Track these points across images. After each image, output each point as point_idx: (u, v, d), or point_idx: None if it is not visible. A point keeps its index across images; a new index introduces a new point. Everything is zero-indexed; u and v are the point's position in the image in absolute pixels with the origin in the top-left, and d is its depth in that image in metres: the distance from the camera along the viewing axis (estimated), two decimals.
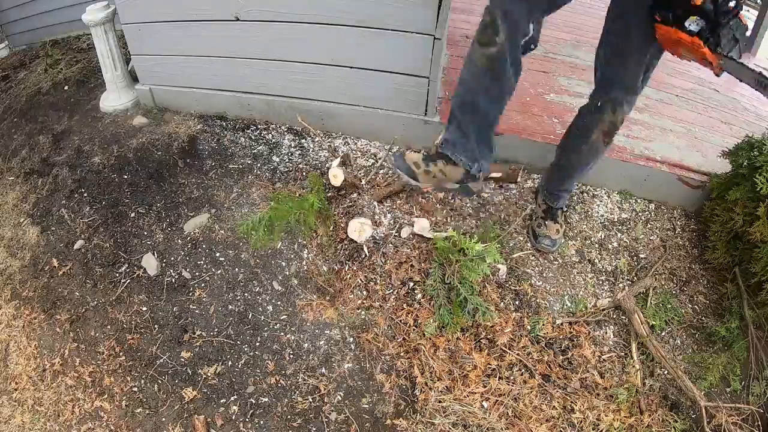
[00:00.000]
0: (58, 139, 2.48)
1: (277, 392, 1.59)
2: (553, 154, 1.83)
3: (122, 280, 1.88)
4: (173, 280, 1.86)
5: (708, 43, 1.21)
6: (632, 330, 1.66)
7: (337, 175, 1.94)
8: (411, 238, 1.87)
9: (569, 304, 1.74)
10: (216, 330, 1.73)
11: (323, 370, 1.62)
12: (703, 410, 1.47)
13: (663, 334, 1.69)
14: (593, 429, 1.49)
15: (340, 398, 1.56)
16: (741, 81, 1.20)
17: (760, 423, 1.49)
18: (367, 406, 1.55)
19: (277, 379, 1.61)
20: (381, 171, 2.15)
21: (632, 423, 1.50)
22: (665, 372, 1.60)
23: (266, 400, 1.57)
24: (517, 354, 1.62)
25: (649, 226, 1.97)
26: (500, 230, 1.87)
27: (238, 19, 2.09)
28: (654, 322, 1.68)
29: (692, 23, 1.22)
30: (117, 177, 2.20)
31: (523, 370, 1.60)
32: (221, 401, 1.58)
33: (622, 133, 1.96)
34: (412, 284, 1.75)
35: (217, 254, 1.91)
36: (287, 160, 2.23)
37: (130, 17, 2.25)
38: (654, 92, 2.50)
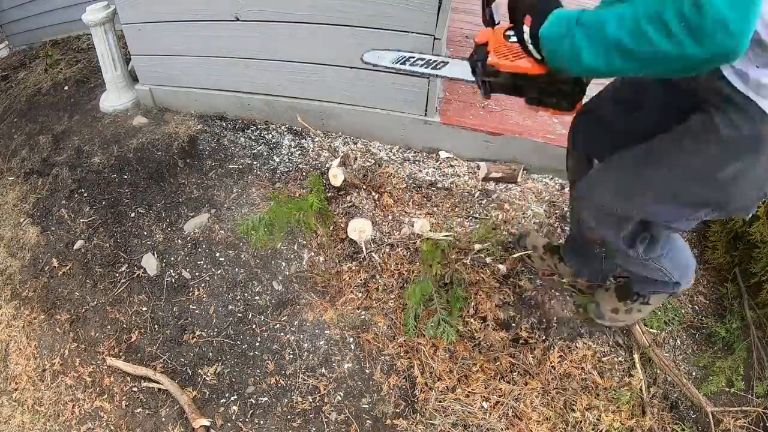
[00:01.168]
0: (58, 139, 2.49)
1: (277, 392, 1.59)
2: (552, 154, 1.83)
3: (122, 280, 1.88)
4: (173, 280, 1.86)
5: None
6: (634, 340, 1.65)
7: (337, 175, 1.94)
8: (411, 238, 1.87)
9: None
10: (216, 330, 1.73)
11: (323, 370, 1.62)
12: (710, 416, 1.47)
13: (663, 334, 1.69)
14: (593, 429, 1.49)
15: (340, 398, 1.56)
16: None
17: (766, 424, 1.49)
18: (367, 406, 1.55)
19: (277, 379, 1.61)
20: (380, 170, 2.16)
21: (632, 425, 1.50)
22: (669, 377, 1.59)
23: (266, 400, 1.57)
24: (518, 354, 1.62)
25: None
26: (500, 230, 1.87)
27: (237, 19, 2.09)
28: (653, 330, 1.68)
29: None
30: (117, 177, 2.20)
31: (523, 371, 1.59)
32: (221, 401, 1.58)
33: None
34: (411, 284, 1.75)
35: (217, 254, 1.91)
36: (287, 160, 2.23)
37: (130, 17, 2.25)
38: None
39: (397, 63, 1.50)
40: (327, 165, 2.16)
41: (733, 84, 0.90)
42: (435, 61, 1.48)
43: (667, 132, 1.07)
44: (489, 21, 1.17)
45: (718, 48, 0.69)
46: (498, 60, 1.12)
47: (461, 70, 1.40)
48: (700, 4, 0.67)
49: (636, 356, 1.62)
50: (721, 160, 0.99)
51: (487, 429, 1.48)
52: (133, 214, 2.07)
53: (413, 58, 1.48)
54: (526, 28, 1.01)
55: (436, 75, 1.48)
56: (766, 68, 0.87)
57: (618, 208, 1.18)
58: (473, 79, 1.23)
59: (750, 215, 1.14)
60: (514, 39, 1.10)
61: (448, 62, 1.46)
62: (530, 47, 1.02)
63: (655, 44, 0.73)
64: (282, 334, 1.70)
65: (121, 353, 1.72)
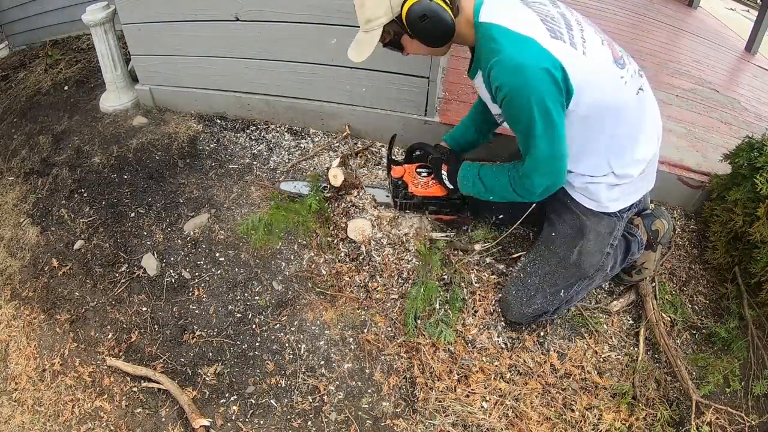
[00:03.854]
0: (58, 139, 2.49)
1: (277, 392, 1.59)
2: None
3: (122, 280, 1.88)
4: (173, 280, 1.86)
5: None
6: (643, 314, 1.69)
7: (337, 176, 1.94)
8: (411, 238, 1.87)
9: None
10: (216, 330, 1.73)
11: (323, 371, 1.62)
12: (694, 404, 1.48)
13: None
14: (593, 429, 1.49)
15: (340, 398, 1.56)
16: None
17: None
18: (367, 406, 1.55)
19: (277, 379, 1.61)
20: (381, 171, 2.16)
21: (632, 422, 1.50)
22: (665, 358, 1.61)
23: (266, 400, 1.57)
24: (517, 354, 1.62)
25: None
26: (500, 230, 1.87)
27: (237, 19, 2.09)
28: (668, 315, 1.71)
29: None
30: (117, 177, 2.20)
31: (523, 371, 1.60)
32: (221, 401, 1.58)
33: None
34: (411, 284, 1.75)
35: (217, 254, 1.91)
36: (287, 160, 2.23)
37: (130, 17, 2.25)
38: (654, 93, 2.51)
39: (313, 191, 2.00)
40: (326, 165, 2.16)
41: (566, 190, 1.50)
42: None
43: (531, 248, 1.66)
44: (395, 162, 1.87)
45: (539, 197, 1.43)
46: (416, 189, 1.79)
47: (373, 192, 1.97)
48: (529, 193, 1.41)
49: (642, 329, 1.66)
50: (566, 250, 1.52)
51: (487, 429, 1.48)
52: (133, 214, 2.07)
53: (327, 187, 1.99)
54: (444, 173, 1.68)
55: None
56: (580, 179, 1.47)
57: (529, 310, 1.58)
58: (386, 201, 1.92)
59: (609, 272, 1.62)
60: (425, 174, 1.79)
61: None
62: (446, 182, 1.68)
63: (512, 197, 1.47)
64: (282, 334, 1.70)
65: (121, 353, 1.72)
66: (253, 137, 2.36)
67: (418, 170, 1.80)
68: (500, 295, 1.69)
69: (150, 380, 1.62)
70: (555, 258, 1.54)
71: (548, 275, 1.55)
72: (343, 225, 1.92)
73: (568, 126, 1.30)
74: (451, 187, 1.68)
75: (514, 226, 1.64)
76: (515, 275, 1.64)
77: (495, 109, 1.43)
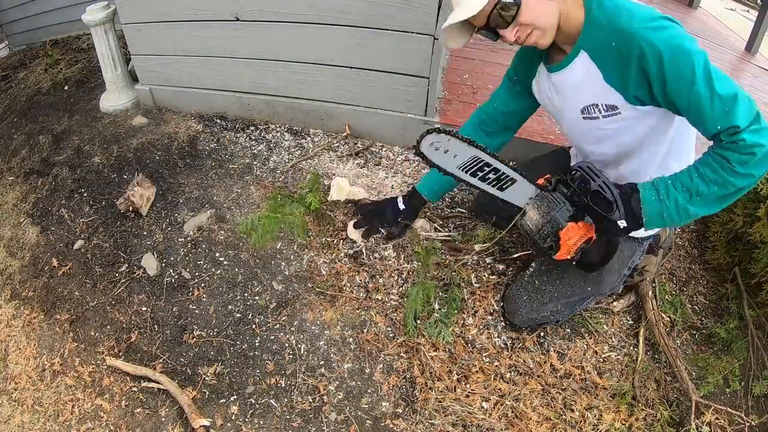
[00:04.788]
0: (58, 139, 2.49)
1: (277, 392, 1.59)
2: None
3: (122, 280, 1.88)
4: (173, 280, 1.86)
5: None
6: (643, 314, 1.69)
7: (342, 188, 1.94)
8: (411, 239, 1.87)
9: None
10: (216, 330, 1.73)
11: (323, 371, 1.62)
12: (694, 405, 1.49)
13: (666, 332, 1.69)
14: (593, 429, 1.49)
15: (340, 398, 1.56)
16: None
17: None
18: (366, 406, 1.55)
19: (277, 379, 1.61)
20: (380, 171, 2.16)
21: (632, 423, 1.50)
22: (665, 359, 1.62)
23: (266, 400, 1.57)
24: (517, 354, 1.62)
25: None
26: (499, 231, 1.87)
27: (237, 19, 2.09)
28: (668, 315, 1.72)
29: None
30: (117, 177, 2.20)
31: (523, 371, 1.60)
32: (221, 401, 1.58)
33: None
34: (411, 284, 1.75)
35: (217, 254, 1.91)
36: (287, 160, 2.23)
37: (130, 17, 2.25)
38: None
39: (465, 169, 1.40)
40: (326, 165, 2.16)
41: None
42: (506, 176, 1.39)
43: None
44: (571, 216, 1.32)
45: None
46: (562, 255, 1.33)
47: (522, 196, 1.40)
48: (751, 151, 1.04)
49: (641, 330, 1.67)
50: None
51: (487, 429, 1.48)
52: (132, 214, 2.07)
53: (489, 166, 1.37)
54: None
55: (499, 197, 1.43)
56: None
57: (537, 316, 1.58)
58: (521, 207, 1.40)
59: (619, 290, 1.67)
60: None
61: (516, 180, 1.39)
62: (620, 226, 1.24)
63: (734, 184, 1.09)
64: (282, 334, 1.70)
65: (120, 353, 1.72)
66: (253, 137, 2.36)
67: (582, 245, 1.34)
68: (505, 297, 1.67)
69: (150, 380, 1.62)
70: (576, 270, 1.49)
71: (566, 286, 1.54)
72: (343, 225, 1.92)
73: (641, 116, 1.22)
74: (623, 226, 1.25)
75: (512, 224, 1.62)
76: (527, 280, 1.61)
77: (604, 97, 1.23)
